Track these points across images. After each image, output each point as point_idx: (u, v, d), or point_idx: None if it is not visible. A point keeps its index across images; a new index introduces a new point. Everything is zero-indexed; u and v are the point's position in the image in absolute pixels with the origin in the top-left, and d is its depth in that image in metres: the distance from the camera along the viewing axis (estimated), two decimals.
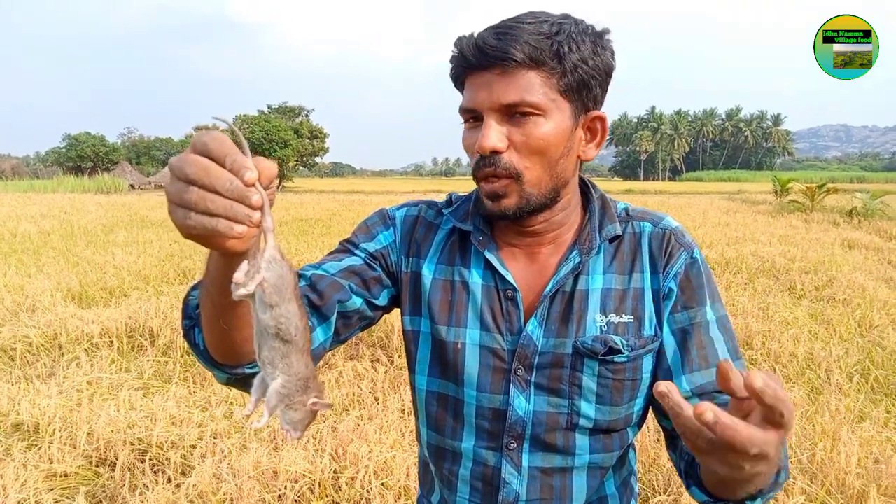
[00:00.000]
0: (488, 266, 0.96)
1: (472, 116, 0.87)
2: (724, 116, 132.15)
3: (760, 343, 4.73)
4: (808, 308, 5.95)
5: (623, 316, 0.91)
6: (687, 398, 0.88)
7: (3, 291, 6.43)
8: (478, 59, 0.83)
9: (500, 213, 0.89)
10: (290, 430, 0.65)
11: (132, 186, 48.87)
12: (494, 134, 0.83)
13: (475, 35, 0.84)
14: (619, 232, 0.94)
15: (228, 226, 0.54)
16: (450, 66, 0.90)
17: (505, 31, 0.82)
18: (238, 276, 0.58)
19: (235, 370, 0.81)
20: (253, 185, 0.54)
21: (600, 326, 0.91)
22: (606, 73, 0.88)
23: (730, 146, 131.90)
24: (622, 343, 0.90)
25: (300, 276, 0.91)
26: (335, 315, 0.90)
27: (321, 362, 0.94)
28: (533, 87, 0.82)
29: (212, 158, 0.53)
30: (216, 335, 0.76)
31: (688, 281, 0.93)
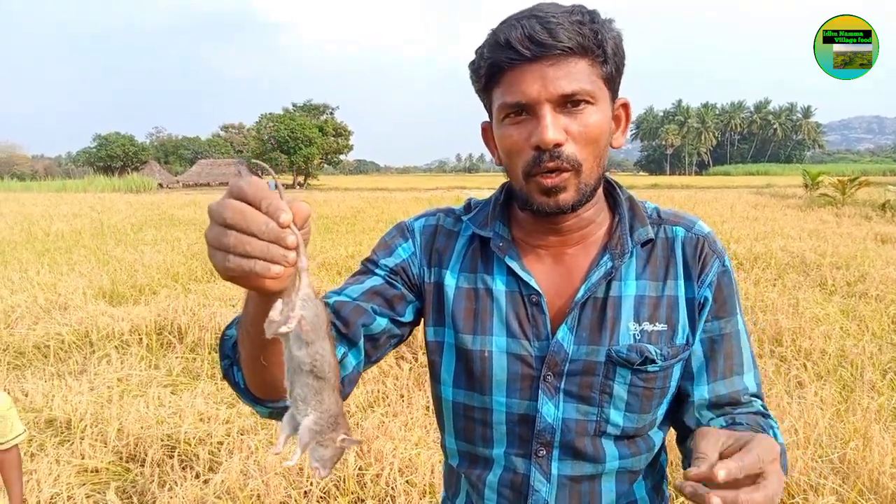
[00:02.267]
0: (511, 272, 0.93)
1: (516, 111, 0.83)
2: (752, 109, 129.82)
3: (790, 340, 4.64)
4: (840, 304, 5.83)
5: (657, 324, 0.90)
6: (703, 405, 0.93)
7: (37, 289, 6.58)
8: (532, 51, 0.79)
9: (556, 209, 0.86)
10: (318, 469, 0.65)
11: (161, 185, 49.67)
12: (556, 126, 0.81)
13: (520, 26, 0.80)
14: (651, 235, 0.92)
15: (265, 267, 0.55)
16: (484, 62, 0.84)
17: (548, 20, 0.79)
18: (273, 314, 0.59)
19: (277, 404, 0.82)
20: (288, 226, 0.55)
21: (634, 335, 0.89)
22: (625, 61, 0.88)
23: (758, 139, 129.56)
24: (656, 352, 0.89)
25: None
26: (362, 339, 0.90)
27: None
28: (585, 75, 0.81)
29: (248, 203, 0.55)
30: (257, 372, 0.77)
31: (720, 290, 0.92)
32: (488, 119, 0.93)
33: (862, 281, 6.71)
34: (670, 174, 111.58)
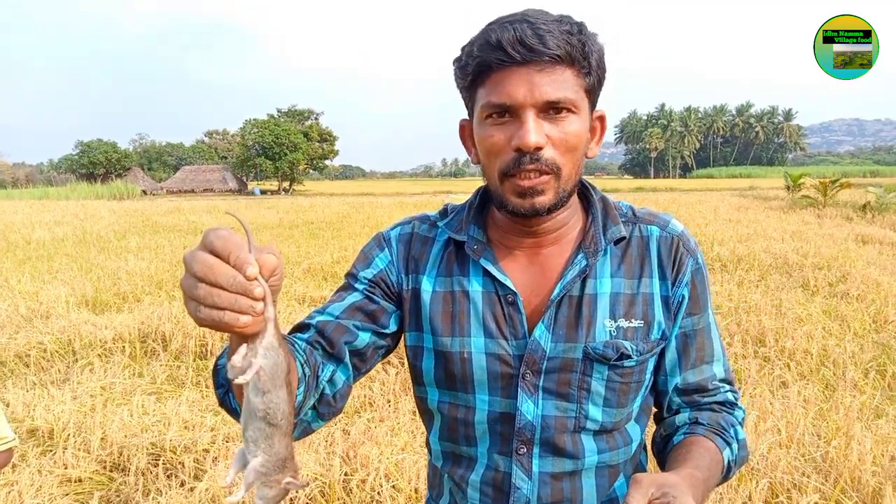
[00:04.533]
0: (487, 273, 0.95)
1: (499, 112, 0.84)
2: (734, 112, 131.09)
3: (774, 340, 4.69)
4: (822, 304, 5.89)
5: (633, 321, 0.92)
6: (673, 392, 0.99)
7: (18, 298, 6.50)
8: (522, 55, 0.80)
9: (532, 211, 0.87)
10: None
11: (144, 192, 49.32)
12: (538, 130, 0.82)
13: (511, 29, 0.81)
14: (623, 234, 0.94)
15: (234, 317, 0.58)
16: (472, 59, 0.85)
17: (538, 26, 0.80)
18: (235, 359, 0.62)
19: None
20: (255, 279, 0.58)
21: (610, 331, 0.91)
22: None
23: (741, 142, 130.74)
24: (632, 348, 0.91)
25: (308, 327, 0.94)
26: (348, 356, 0.93)
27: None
28: (570, 84, 0.83)
29: (217, 255, 0.57)
30: None
31: (694, 288, 0.95)
32: (468, 117, 0.94)
33: (843, 281, 6.79)
34: (654, 177, 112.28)
